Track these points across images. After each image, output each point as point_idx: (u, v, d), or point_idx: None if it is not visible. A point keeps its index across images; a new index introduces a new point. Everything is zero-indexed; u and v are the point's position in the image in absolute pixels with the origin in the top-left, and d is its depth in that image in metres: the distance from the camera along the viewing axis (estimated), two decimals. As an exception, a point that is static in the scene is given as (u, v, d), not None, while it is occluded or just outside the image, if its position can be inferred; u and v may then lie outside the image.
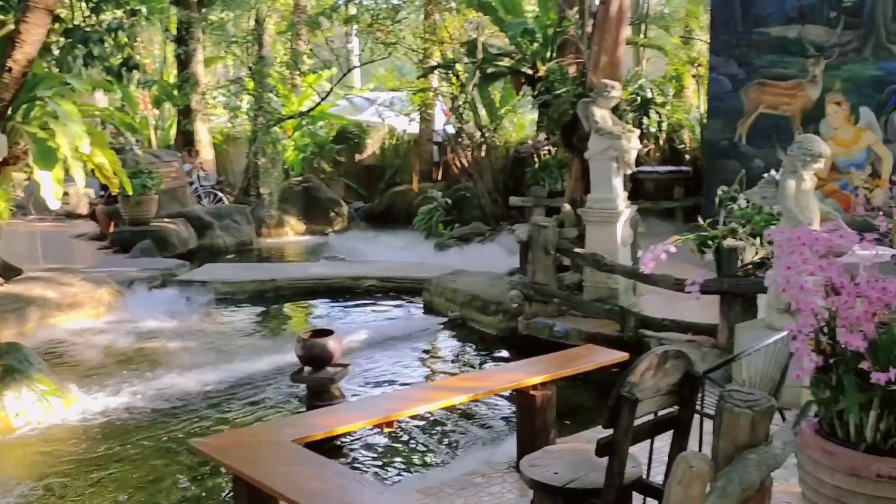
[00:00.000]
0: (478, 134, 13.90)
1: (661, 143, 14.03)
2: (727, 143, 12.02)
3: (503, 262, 10.59)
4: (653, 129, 13.66)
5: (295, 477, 3.57)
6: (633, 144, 8.14)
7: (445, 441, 6.27)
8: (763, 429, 3.24)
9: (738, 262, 6.73)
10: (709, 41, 12.75)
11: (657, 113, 13.69)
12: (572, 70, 10.37)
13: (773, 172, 7.30)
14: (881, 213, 5.45)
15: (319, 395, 6.59)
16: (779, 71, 11.49)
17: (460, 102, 13.21)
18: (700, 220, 7.79)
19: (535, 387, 4.89)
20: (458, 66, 12.94)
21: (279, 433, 4.15)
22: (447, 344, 9.06)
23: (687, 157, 13.95)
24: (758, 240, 6.90)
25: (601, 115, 8.15)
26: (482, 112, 14.11)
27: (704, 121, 12.90)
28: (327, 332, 6.73)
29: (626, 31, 10.86)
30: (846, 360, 2.64)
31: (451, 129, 14.39)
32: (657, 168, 13.49)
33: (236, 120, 17.12)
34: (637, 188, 12.48)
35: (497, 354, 8.47)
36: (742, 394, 3.32)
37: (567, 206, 9.02)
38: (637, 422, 3.41)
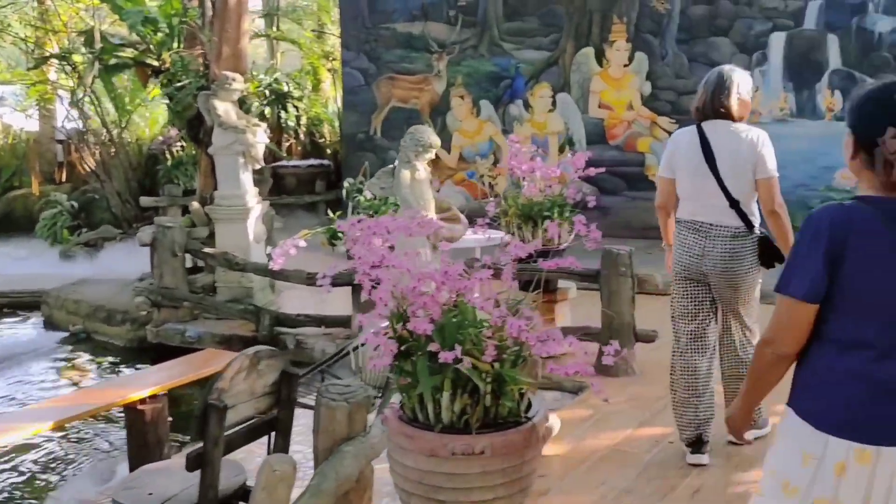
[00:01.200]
0: (104, 131, 12.85)
1: (301, 137, 14.02)
2: (363, 136, 12.30)
3: (137, 267, 9.84)
4: (291, 124, 13.62)
5: None
6: (258, 139, 7.95)
7: (50, 471, 5.61)
8: (361, 420, 3.21)
9: (366, 253, 6.81)
10: (340, 36, 12.95)
11: (295, 107, 13.66)
12: (201, 62, 9.91)
13: (397, 163, 7.52)
14: (494, 199, 5.79)
15: None
16: (406, 66, 11.97)
17: (81, 96, 12.10)
18: (330, 213, 7.83)
19: (143, 400, 4.51)
20: (76, 57, 11.82)
21: None
22: (68, 361, 8.24)
23: (328, 150, 14.07)
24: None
25: (224, 108, 7.86)
26: (109, 107, 13.05)
27: (342, 114, 13.09)
28: None
29: (249, 23, 10.63)
30: (419, 345, 2.64)
31: (78, 127, 13.15)
32: (298, 162, 13.46)
33: None
34: (278, 183, 12.34)
35: (124, 367, 7.84)
36: (339, 387, 3.26)
37: (196, 205, 8.59)
38: (234, 429, 3.22)
